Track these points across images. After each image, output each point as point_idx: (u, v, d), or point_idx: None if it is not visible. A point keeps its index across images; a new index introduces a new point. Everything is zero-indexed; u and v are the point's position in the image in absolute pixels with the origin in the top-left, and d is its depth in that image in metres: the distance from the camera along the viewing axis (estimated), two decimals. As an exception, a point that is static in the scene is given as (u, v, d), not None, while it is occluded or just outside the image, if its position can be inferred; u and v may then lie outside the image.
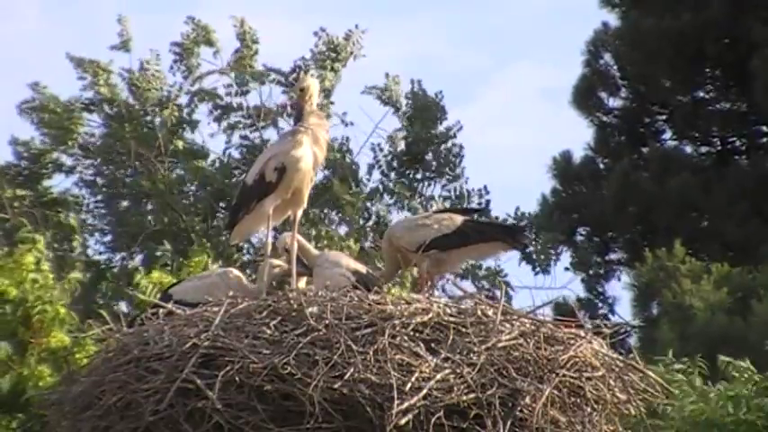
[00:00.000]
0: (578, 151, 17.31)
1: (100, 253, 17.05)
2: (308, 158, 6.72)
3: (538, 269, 16.48)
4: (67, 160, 17.09)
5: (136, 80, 16.72)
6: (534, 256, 16.61)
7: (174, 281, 8.95)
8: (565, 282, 16.33)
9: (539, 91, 26.04)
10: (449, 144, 17.02)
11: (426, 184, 17.11)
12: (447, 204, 16.89)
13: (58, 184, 17.18)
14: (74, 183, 17.19)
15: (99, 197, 17.32)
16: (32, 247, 9.55)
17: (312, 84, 6.87)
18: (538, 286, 15.83)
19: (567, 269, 16.87)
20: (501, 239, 7.20)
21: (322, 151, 6.78)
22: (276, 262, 7.07)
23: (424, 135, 16.88)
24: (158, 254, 10.67)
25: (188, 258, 11.33)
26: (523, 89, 25.92)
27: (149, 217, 16.93)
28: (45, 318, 9.23)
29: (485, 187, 17.13)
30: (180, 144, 16.66)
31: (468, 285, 15.67)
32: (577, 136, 23.50)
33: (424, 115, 16.91)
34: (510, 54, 26.33)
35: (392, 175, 17.01)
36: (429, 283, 7.10)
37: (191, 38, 16.87)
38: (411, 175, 17.07)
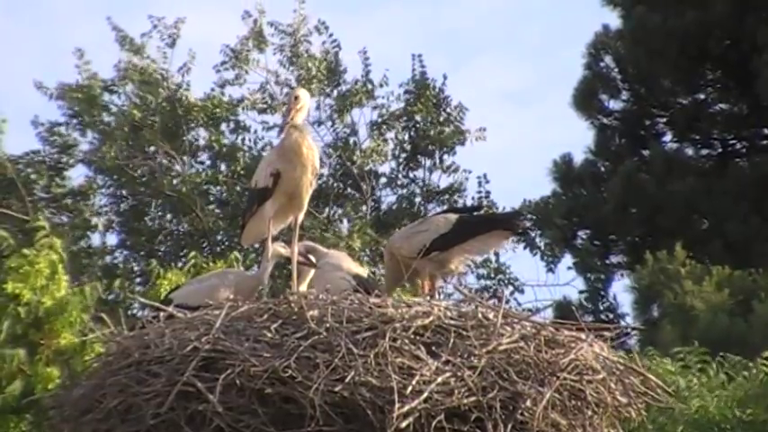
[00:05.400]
0: (579, 154, 17.29)
1: (113, 251, 17.07)
2: (302, 164, 6.70)
3: (547, 266, 16.55)
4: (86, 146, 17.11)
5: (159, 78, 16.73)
6: (542, 250, 16.65)
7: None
8: (567, 281, 16.38)
9: (497, 92, 26.08)
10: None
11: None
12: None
13: (78, 176, 17.19)
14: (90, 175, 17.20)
15: (112, 191, 17.30)
16: (49, 250, 9.50)
17: (305, 95, 6.87)
18: (541, 283, 15.84)
19: (569, 268, 16.88)
20: (499, 228, 7.16)
21: (314, 157, 6.76)
22: (281, 245, 7.10)
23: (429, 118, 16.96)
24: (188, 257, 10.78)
25: (208, 264, 11.27)
26: (481, 90, 25.98)
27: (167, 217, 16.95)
28: (57, 320, 9.19)
29: (484, 176, 17.20)
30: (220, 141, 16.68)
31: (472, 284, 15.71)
32: (547, 136, 23.60)
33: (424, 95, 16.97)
34: (467, 54, 26.33)
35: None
36: (432, 287, 7.06)
37: (248, 41, 16.89)
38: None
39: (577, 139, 22.50)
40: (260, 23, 17.09)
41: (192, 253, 10.42)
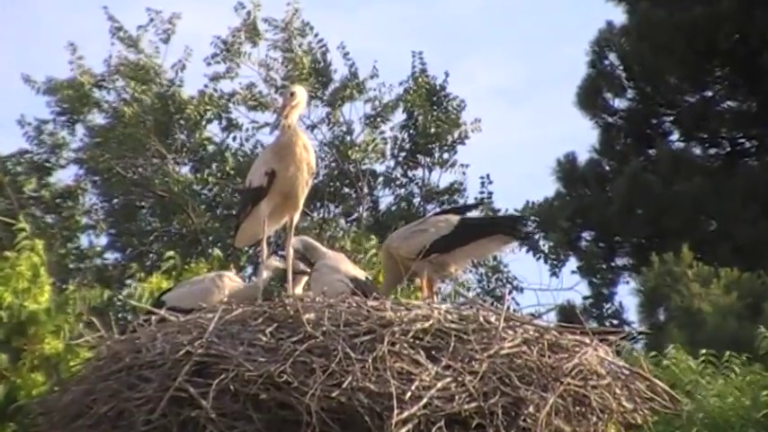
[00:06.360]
0: (583, 154, 17.29)
1: (101, 254, 17.08)
2: (297, 163, 6.73)
3: (551, 269, 16.57)
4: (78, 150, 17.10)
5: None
6: (545, 254, 16.67)
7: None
8: (571, 285, 16.39)
9: (491, 89, 26.06)
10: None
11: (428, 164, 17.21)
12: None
13: (68, 176, 17.20)
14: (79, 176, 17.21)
15: (102, 190, 17.28)
16: (30, 253, 9.50)
17: (301, 92, 6.89)
18: (544, 288, 15.87)
19: (573, 272, 16.88)
20: (500, 232, 7.18)
21: (310, 156, 6.79)
22: (275, 258, 7.12)
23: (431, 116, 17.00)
24: (164, 257, 10.82)
25: (189, 264, 11.27)
26: (475, 87, 25.96)
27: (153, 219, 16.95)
28: (39, 325, 9.20)
29: (487, 176, 17.20)
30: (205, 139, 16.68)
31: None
32: (545, 134, 23.63)
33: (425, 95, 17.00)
34: (459, 51, 26.26)
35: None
36: (431, 289, 7.08)
37: (240, 33, 16.90)
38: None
39: (576, 136, 22.53)
40: (254, 16, 17.11)
41: (170, 253, 10.41)
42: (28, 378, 9.01)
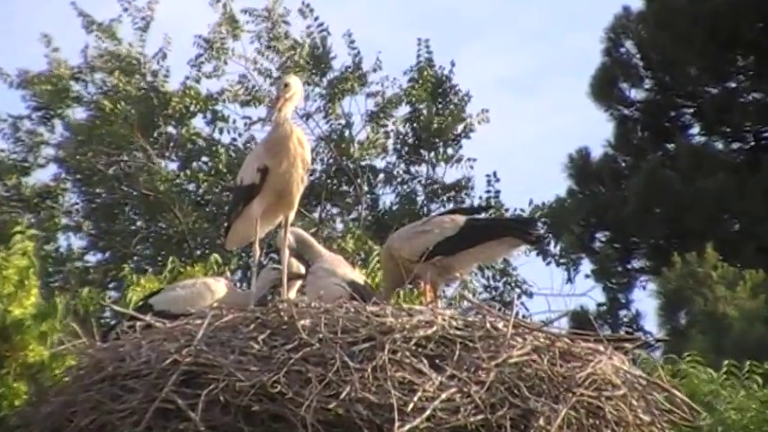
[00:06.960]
0: (597, 148, 17.25)
1: (83, 254, 17.10)
2: (291, 159, 6.70)
3: (565, 274, 16.57)
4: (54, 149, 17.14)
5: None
6: (556, 258, 16.66)
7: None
8: (585, 291, 16.37)
9: (495, 79, 25.98)
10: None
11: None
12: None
13: (47, 175, 17.23)
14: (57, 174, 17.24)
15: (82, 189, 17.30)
16: (20, 257, 9.49)
17: (295, 82, 6.86)
18: (555, 293, 15.83)
19: (587, 276, 16.84)
20: (510, 235, 7.14)
21: (305, 152, 6.76)
22: (272, 267, 7.13)
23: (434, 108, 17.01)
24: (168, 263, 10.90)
25: (186, 268, 11.27)
26: (478, 77, 25.86)
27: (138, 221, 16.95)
28: (24, 331, 9.20)
29: (494, 174, 17.17)
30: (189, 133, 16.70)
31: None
32: (553, 127, 23.57)
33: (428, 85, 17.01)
34: (460, 39, 26.14)
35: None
36: (434, 293, 7.05)
37: (221, 28, 16.92)
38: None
39: (590, 130, 22.43)
40: (230, 8, 17.11)
41: (170, 258, 10.42)
42: (11, 387, 9.01)
